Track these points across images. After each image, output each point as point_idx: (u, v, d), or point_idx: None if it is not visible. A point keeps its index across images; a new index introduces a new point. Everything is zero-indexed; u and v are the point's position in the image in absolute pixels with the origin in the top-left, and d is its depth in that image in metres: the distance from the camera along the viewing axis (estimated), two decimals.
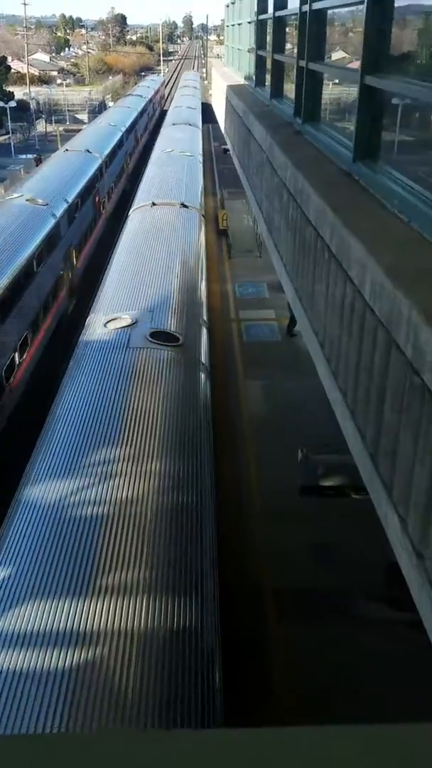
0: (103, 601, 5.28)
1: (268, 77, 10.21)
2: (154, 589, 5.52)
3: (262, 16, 10.90)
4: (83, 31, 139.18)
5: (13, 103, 51.98)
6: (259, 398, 14.90)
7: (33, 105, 62.91)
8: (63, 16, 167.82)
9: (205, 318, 12.01)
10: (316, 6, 6.12)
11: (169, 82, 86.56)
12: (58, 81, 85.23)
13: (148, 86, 60.18)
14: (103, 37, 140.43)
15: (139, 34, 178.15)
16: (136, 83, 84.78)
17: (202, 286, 13.26)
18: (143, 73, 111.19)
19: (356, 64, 4.77)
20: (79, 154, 26.85)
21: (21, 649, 4.89)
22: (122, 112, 41.79)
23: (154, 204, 17.46)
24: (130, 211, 18.45)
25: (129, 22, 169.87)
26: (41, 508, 6.22)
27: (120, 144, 33.69)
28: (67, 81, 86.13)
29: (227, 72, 20.53)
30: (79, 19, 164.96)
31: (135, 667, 4.88)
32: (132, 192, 25.23)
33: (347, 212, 4.06)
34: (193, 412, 8.37)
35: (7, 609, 5.23)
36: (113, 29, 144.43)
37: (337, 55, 7.32)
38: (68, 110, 64.71)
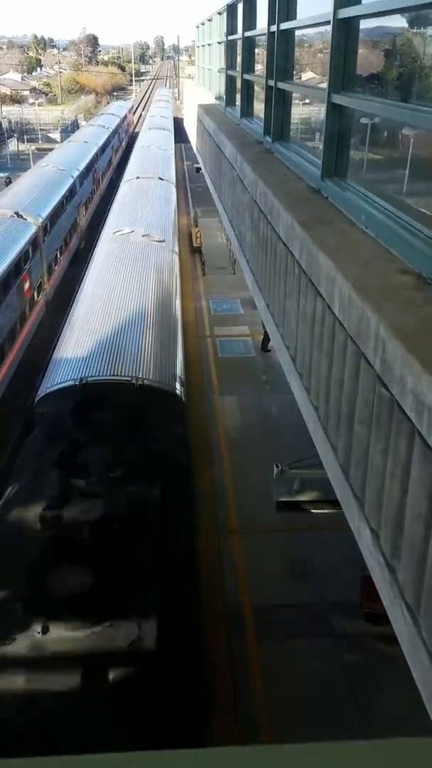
0: None
1: (238, 97, 10.33)
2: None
3: (231, 37, 11.06)
4: (55, 51, 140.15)
5: None
6: (234, 413, 14.91)
7: (5, 124, 62.89)
8: (35, 36, 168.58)
9: (176, 230, 19.67)
10: (284, 26, 6.23)
11: (138, 107, 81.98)
12: (30, 100, 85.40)
13: (113, 113, 52.81)
14: (75, 57, 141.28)
15: (110, 55, 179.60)
16: (108, 103, 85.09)
17: (174, 216, 21.42)
18: (115, 93, 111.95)
19: (325, 83, 4.84)
20: None
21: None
22: (77, 149, 33.76)
23: (138, 177, 25.42)
24: (121, 183, 26.83)
25: (101, 42, 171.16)
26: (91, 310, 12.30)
27: (70, 194, 25.56)
28: (39, 100, 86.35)
29: (199, 92, 20.76)
30: (51, 40, 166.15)
31: None
32: (84, 266, 17.48)
33: (316, 228, 4.10)
34: (169, 276, 14.57)
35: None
36: (85, 49, 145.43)
37: (306, 75, 7.45)
38: (41, 129, 64.77)
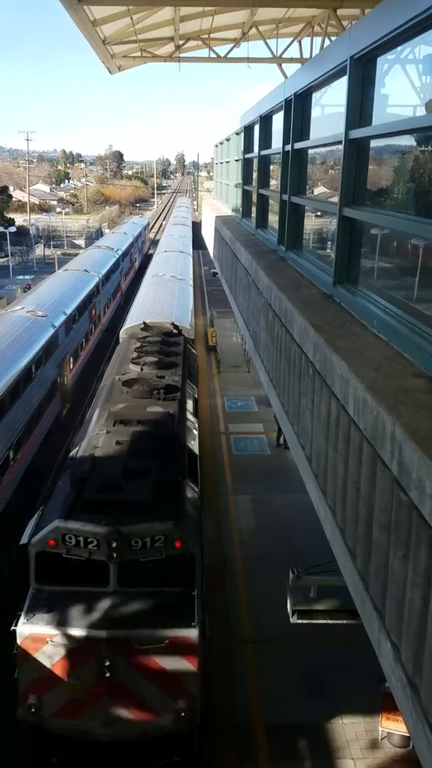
0: None
1: (253, 209, 10.90)
2: None
3: (247, 155, 11.82)
4: (82, 165, 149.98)
5: (13, 229, 54.98)
6: (248, 514, 14.59)
7: (32, 231, 66.45)
8: (64, 151, 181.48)
9: (191, 273, 30.13)
10: (298, 146, 6.66)
11: (156, 222, 79.17)
12: (58, 210, 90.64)
13: (125, 232, 45.99)
14: (101, 171, 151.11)
15: (134, 170, 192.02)
16: (131, 213, 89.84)
17: (190, 270, 31.13)
18: (138, 204, 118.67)
19: (337, 197, 5.11)
20: None
21: None
22: (70, 283, 25.89)
23: (166, 251, 35.77)
24: (155, 254, 37.23)
25: (125, 158, 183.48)
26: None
27: (47, 352, 18.46)
28: (66, 210, 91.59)
29: (216, 204, 21.96)
30: (79, 155, 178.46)
31: None
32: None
33: (329, 331, 4.19)
34: (184, 290, 24.51)
35: None
36: (110, 164, 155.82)
37: (318, 189, 7.88)
38: (66, 236, 68.35)
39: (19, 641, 7.47)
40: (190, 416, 12.29)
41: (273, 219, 9.29)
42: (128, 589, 7.77)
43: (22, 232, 63.37)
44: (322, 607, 8.01)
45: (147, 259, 43.41)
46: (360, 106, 4.26)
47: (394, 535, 2.69)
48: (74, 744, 7.55)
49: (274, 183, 9.24)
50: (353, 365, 3.46)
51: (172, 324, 17.96)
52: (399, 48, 3.92)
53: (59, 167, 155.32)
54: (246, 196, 12.26)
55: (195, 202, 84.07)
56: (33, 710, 7.50)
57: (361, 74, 4.21)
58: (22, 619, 7.56)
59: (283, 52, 20.28)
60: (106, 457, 9.39)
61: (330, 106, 6.04)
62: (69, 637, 7.42)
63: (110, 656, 7.33)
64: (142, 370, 13.67)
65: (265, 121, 9.34)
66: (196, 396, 14.13)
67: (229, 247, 11.64)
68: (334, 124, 4.91)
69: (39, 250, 59.90)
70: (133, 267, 43.72)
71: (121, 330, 18.87)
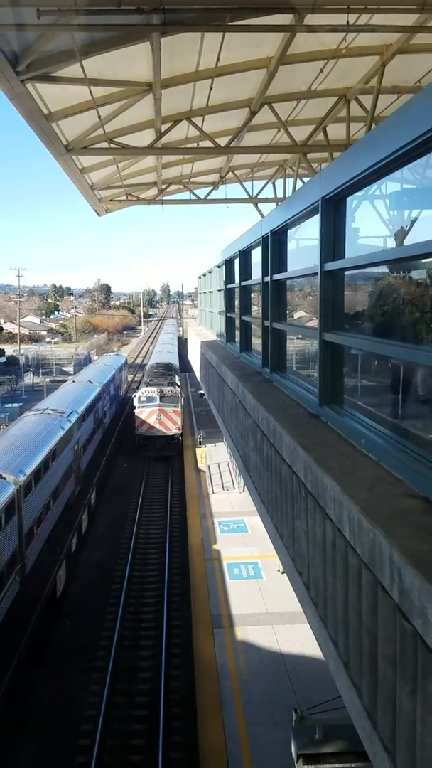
0: None
1: (237, 334, 11.28)
2: None
3: (229, 285, 12.42)
4: (72, 297, 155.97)
5: (2, 359, 56.16)
6: (247, 650, 13.79)
7: (22, 360, 67.87)
8: (54, 285, 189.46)
9: (177, 353, 52.67)
10: (276, 277, 7.03)
11: (138, 355, 76.36)
12: (47, 339, 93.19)
13: (91, 380, 34.97)
14: (90, 303, 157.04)
15: (122, 301, 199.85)
16: (119, 341, 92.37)
17: (176, 354, 51.66)
18: (125, 332, 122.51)
19: (316, 321, 5.31)
20: None
21: None
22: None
23: (163, 344, 59.43)
24: (154, 347, 64.47)
25: (113, 290, 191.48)
26: None
27: None
28: (56, 339, 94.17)
29: (201, 330, 22.76)
30: (69, 288, 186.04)
31: None
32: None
33: (319, 451, 4.20)
34: (175, 355, 50.91)
35: None
36: (99, 296, 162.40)
37: (298, 314, 8.21)
38: (55, 363, 69.82)
39: (135, 413, 33.30)
40: (177, 378, 36.77)
41: (256, 342, 9.60)
42: (158, 380, 35.15)
43: (12, 361, 64.69)
44: (330, 749, 7.35)
45: (124, 404, 41.27)
46: (333, 241, 4.55)
47: (400, 668, 2.55)
48: (147, 438, 33.13)
49: (256, 309, 9.63)
50: (346, 486, 3.44)
51: (169, 362, 40.87)
52: (367, 187, 4.26)
53: (49, 300, 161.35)
54: (229, 322, 12.73)
55: (180, 328, 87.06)
56: (141, 430, 33.20)
57: (332, 213, 4.54)
58: (135, 408, 33.49)
59: (258, 193, 21.94)
60: (152, 378, 35.70)
61: (305, 240, 6.46)
62: (149, 408, 33.36)
63: (160, 412, 33.15)
64: (158, 370, 37.11)
65: (245, 255, 9.90)
66: (179, 379, 37.33)
67: (216, 370, 11.91)
68: (309, 257, 5.22)
69: (28, 379, 60.86)
70: (102, 425, 34.05)
71: (147, 365, 44.62)
